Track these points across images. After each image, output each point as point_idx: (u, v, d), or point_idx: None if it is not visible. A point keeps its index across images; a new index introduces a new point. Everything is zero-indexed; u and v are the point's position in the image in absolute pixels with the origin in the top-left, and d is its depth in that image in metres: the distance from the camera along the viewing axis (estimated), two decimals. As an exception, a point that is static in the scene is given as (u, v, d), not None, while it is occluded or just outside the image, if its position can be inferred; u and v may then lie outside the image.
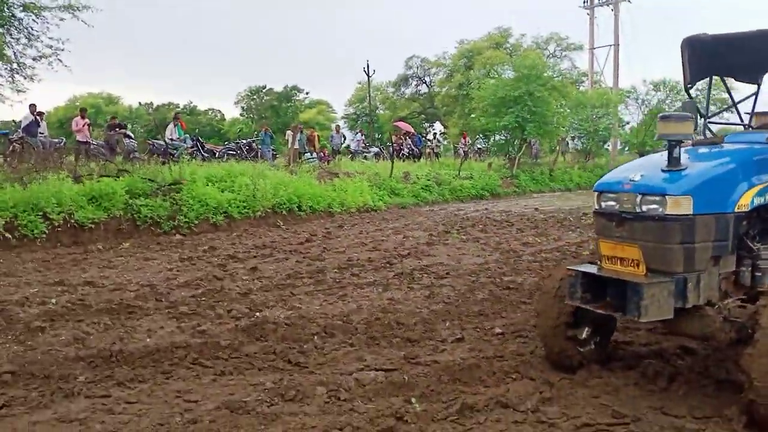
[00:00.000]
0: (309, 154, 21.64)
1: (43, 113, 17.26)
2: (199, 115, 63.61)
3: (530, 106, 22.56)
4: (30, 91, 13.68)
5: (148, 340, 4.64)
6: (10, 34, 12.72)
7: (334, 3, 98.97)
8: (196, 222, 10.62)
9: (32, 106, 15.80)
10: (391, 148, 26.06)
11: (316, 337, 4.72)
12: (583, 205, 15.76)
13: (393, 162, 18.77)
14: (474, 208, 16.26)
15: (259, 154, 21.26)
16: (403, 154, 25.50)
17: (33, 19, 12.74)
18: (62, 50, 13.42)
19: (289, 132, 22.72)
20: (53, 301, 5.78)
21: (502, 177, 22.22)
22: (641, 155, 31.66)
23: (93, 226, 9.38)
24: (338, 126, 24.26)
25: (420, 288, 6.48)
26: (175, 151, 17.95)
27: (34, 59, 13.27)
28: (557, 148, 28.14)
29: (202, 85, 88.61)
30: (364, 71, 46.57)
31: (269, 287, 6.50)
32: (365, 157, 24.41)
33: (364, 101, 66.97)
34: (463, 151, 28.84)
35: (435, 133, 33.15)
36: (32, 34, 12.82)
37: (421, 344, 4.56)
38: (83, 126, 16.91)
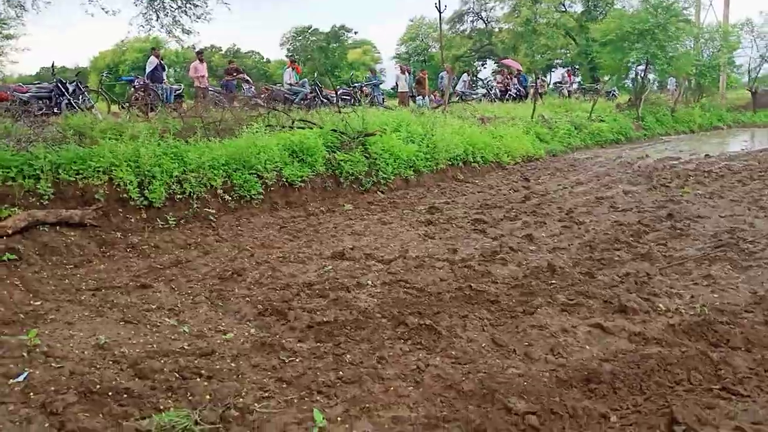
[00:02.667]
0: (421, 98, 20.22)
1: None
2: (243, 58, 61.85)
3: (660, 41, 20.51)
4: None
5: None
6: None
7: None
8: (392, 178, 9.54)
9: (154, 50, 14.70)
10: (495, 90, 24.47)
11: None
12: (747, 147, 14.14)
13: (535, 104, 17.24)
14: (633, 155, 14.77)
15: (373, 99, 19.99)
16: (510, 95, 23.84)
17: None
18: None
19: (397, 73, 21.23)
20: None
21: (631, 119, 20.49)
22: (753, 93, 29.36)
23: (302, 184, 8.36)
24: (449, 65, 22.48)
25: None
26: (294, 97, 16.83)
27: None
28: (681, 86, 25.96)
29: (244, 29, 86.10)
30: (436, 7, 44.25)
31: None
32: (473, 99, 22.89)
33: (417, 39, 64.51)
34: (567, 91, 27.00)
35: (538, 74, 30.98)
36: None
37: None
38: (205, 71, 15.83)
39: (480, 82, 29.16)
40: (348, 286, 4.86)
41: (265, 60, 66.71)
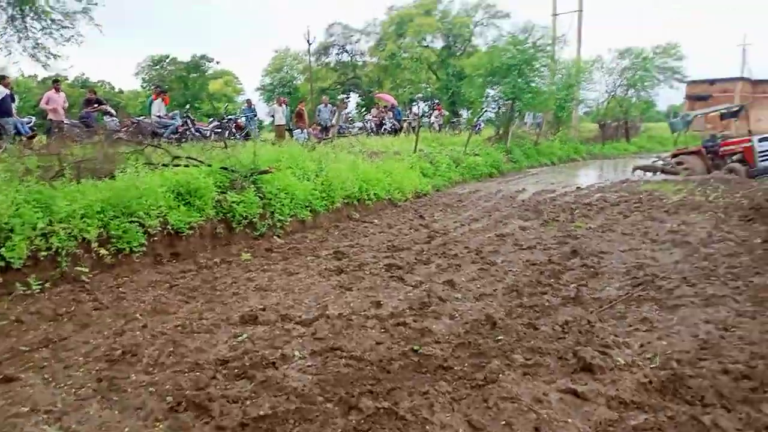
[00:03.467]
0: (300, 131, 19.64)
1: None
2: (92, 88, 57.66)
3: (527, 76, 21.71)
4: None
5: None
6: None
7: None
8: (288, 220, 8.83)
9: (4, 79, 12.75)
10: (371, 123, 24.56)
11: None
12: (611, 179, 15.21)
13: (417, 138, 17.29)
14: (511, 189, 15.26)
15: (245, 132, 19.09)
16: (385, 129, 23.99)
17: None
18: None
19: (274, 106, 20.49)
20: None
21: (501, 152, 21.37)
22: (602, 126, 32.16)
23: (190, 232, 7.39)
24: (326, 98, 22.07)
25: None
26: (164, 130, 15.57)
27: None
28: (544, 120, 27.65)
29: (94, 58, 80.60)
30: (305, 37, 44.05)
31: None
32: (350, 133, 22.74)
33: (282, 71, 63.98)
34: (438, 125, 27.77)
35: (411, 107, 31.44)
36: None
37: None
38: (62, 102, 14.10)
39: (347, 116, 29.17)
40: (272, 360, 4.12)
41: (117, 90, 62.43)
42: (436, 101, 31.18)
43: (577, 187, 14.96)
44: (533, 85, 21.82)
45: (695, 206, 10.92)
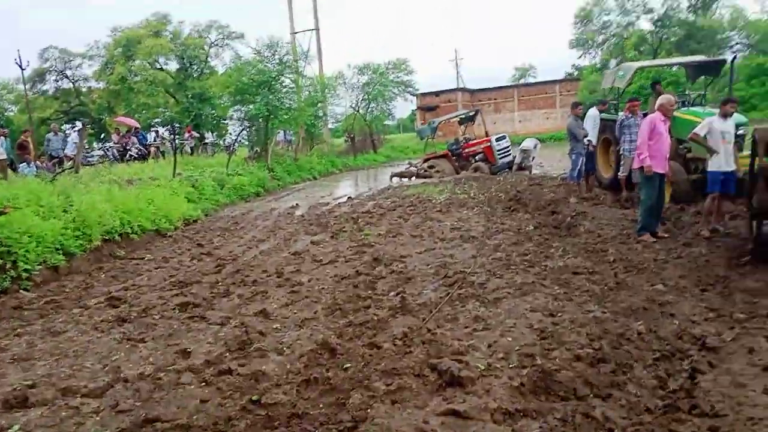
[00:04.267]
0: (26, 164, 16.61)
1: None
2: None
3: (278, 92, 21.49)
4: None
5: None
6: None
7: None
8: (38, 268, 7.11)
9: None
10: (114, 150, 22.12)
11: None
12: (376, 186, 15.83)
13: (175, 162, 15.72)
14: (283, 206, 14.84)
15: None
16: (131, 155, 21.67)
17: None
18: None
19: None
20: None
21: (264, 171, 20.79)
22: (351, 139, 33.58)
23: None
24: (56, 126, 18.79)
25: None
26: None
27: None
28: (300, 136, 27.59)
29: None
30: (17, 63, 38.11)
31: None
32: (90, 163, 20.08)
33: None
34: (190, 148, 26.12)
35: (158, 131, 28.78)
36: None
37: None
38: None
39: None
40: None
41: None
42: (186, 124, 29.34)
43: (348, 197, 15.12)
44: (287, 101, 21.69)
45: (461, 204, 11.69)
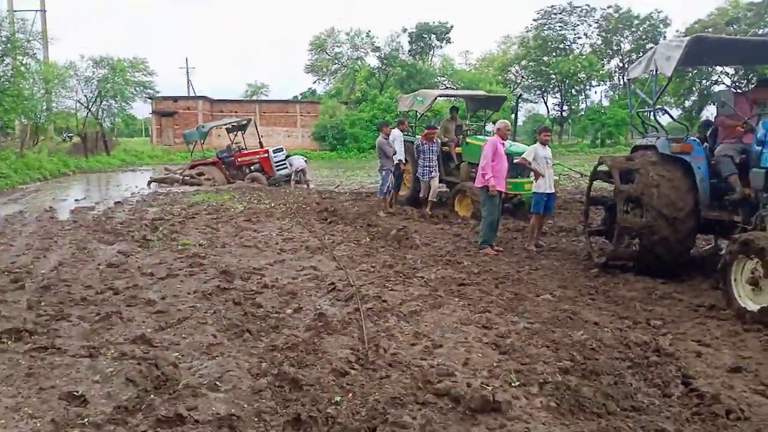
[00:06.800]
0: None
1: None
2: None
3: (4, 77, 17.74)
4: None
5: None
6: None
7: None
8: None
9: None
10: None
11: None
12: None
13: None
14: (37, 210, 12.22)
15: None
16: None
17: None
18: None
19: None
20: None
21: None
22: (83, 138, 29.32)
23: None
24: None
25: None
26: None
27: None
28: (27, 129, 22.90)
29: None
30: None
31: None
32: None
33: None
34: None
35: None
36: None
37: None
38: None
39: None
40: None
41: None
42: None
43: (117, 202, 13.11)
44: (19, 86, 18.05)
45: (268, 214, 11.01)
